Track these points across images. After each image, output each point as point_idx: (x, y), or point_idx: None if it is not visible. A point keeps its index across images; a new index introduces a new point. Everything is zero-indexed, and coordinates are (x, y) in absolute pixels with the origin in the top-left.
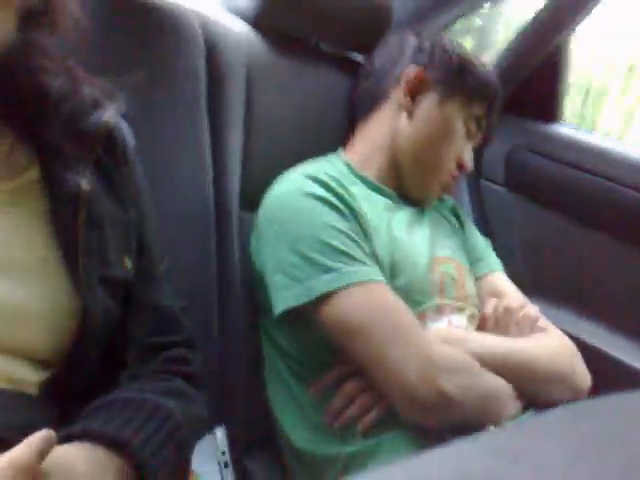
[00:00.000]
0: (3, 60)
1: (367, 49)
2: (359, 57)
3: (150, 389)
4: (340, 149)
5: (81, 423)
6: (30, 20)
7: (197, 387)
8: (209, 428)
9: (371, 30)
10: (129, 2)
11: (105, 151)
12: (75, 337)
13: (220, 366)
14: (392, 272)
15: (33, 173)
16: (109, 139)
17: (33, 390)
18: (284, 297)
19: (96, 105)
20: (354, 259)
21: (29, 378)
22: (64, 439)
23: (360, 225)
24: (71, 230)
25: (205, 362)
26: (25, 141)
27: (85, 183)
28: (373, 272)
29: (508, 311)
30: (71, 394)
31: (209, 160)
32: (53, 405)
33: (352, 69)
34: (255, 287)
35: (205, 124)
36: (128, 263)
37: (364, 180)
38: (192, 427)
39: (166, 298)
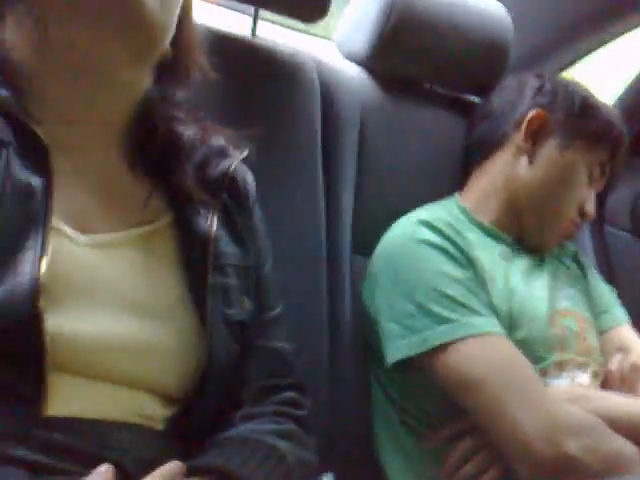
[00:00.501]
0: (142, 111)
1: (482, 90)
2: (473, 97)
3: (264, 430)
4: (455, 193)
5: (204, 458)
6: (163, 73)
7: (307, 431)
8: (317, 474)
9: (487, 72)
10: (248, 46)
11: (229, 196)
12: (200, 375)
13: (329, 411)
14: (510, 324)
15: (167, 218)
16: (233, 185)
17: (160, 425)
18: (397, 346)
19: (222, 153)
20: (471, 310)
21: (157, 413)
22: (189, 472)
23: (476, 274)
24: (200, 271)
25: (314, 406)
26: (160, 188)
27: (213, 227)
28: (491, 323)
29: (635, 368)
30: (193, 430)
31: (322, 203)
32: (176, 440)
33: (467, 110)
34: (367, 333)
35: (319, 167)
36: (247, 304)
37: (480, 226)
38: (302, 471)
39: (280, 340)
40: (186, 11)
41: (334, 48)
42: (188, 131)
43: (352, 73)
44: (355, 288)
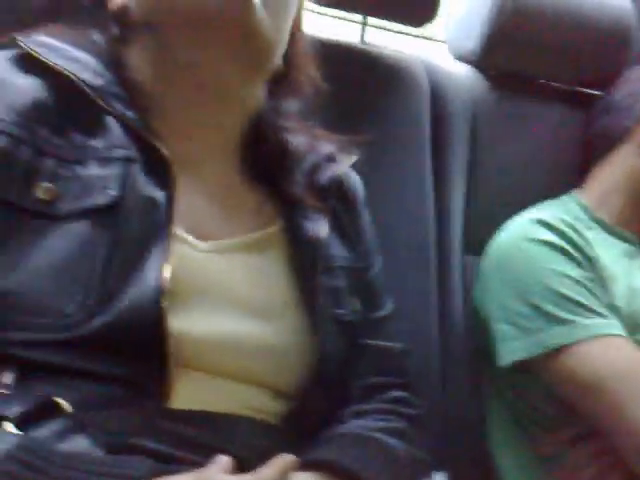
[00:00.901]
0: (254, 123)
1: (603, 83)
2: (591, 90)
3: (375, 427)
4: (574, 191)
5: (317, 453)
6: (275, 86)
7: (418, 430)
8: (429, 472)
9: (608, 63)
10: (357, 53)
11: (338, 200)
12: (312, 373)
13: (440, 410)
14: (632, 326)
15: (279, 224)
16: (342, 189)
17: (273, 420)
18: (511, 348)
19: (331, 159)
20: (591, 310)
21: (271, 409)
22: (301, 466)
23: (596, 273)
24: (310, 274)
25: (427, 405)
26: (272, 195)
27: (322, 231)
28: (613, 325)
29: None
30: (303, 425)
31: (431, 203)
32: (289, 435)
33: (584, 104)
34: (479, 334)
35: (428, 168)
36: (356, 304)
37: (601, 223)
38: (414, 469)
39: (389, 340)
40: (297, 25)
41: (443, 48)
42: (297, 139)
43: (462, 73)
44: (466, 288)
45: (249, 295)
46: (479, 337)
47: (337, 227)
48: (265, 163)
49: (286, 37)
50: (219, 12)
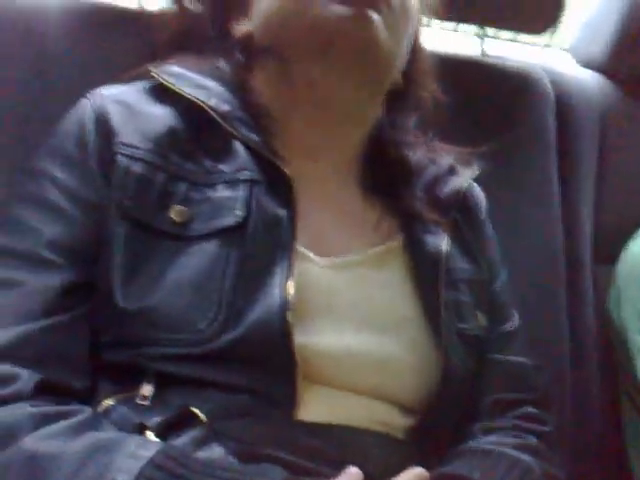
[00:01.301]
0: (373, 139)
1: None
2: None
3: (506, 443)
4: None
5: (448, 467)
6: (395, 100)
7: (551, 447)
8: None
9: None
10: (478, 66)
11: (460, 213)
12: (438, 388)
13: (574, 427)
14: None
15: (399, 238)
16: (464, 202)
17: (400, 434)
18: None
19: (452, 172)
20: None
21: (397, 423)
22: None
23: None
24: (432, 288)
25: (558, 422)
26: (391, 210)
27: (444, 245)
28: None
29: None
30: (431, 441)
31: (558, 213)
32: (416, 449)
33: None
34: (613, 346)
35: (555, 177)
36: (481, 319)
37: None
38: None
39: (517, 355)
40: (415, 40)
41: (567, 56)
42: (417, 153)
43: (589, 80)
44: (598, 299)
45: (370, 310)
46: (614, 350)
47: (459, 240)
48: (385, 178)
49: (405, 53)
50: (340, 32)
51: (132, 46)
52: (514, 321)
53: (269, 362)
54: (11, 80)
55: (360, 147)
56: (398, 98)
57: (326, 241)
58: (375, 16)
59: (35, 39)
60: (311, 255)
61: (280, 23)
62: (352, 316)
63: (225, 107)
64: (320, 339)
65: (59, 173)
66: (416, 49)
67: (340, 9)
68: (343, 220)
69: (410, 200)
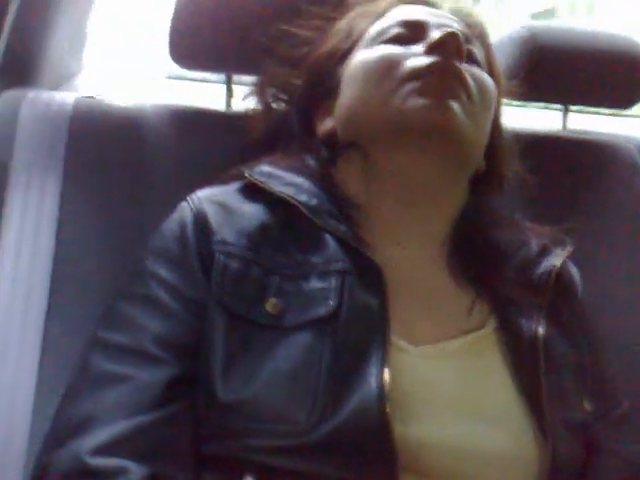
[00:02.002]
0: (460, 222)
1: None
2: None
3: None
4: None
5: None
6: (479, 182)
7: None
8: None
9: None
10: (560, 142)
11: (556, 293)
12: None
13: None
14: None
15: (492, 323)
16: (559, 282)
17: None
18: None
19: (544, 252)
20: None
21: None
22: None
23: None
24: (532, 376)
25: None
26: (482, 294)
27: (541, 329)
28: None
29: None
30: None
31: None
32: None
33: None
34: None
35: None
36: (587, 404)
37: None
38: None
39: (627, 443)
40: (496, 123)
41: None
42: (505, 234)
43: None
44: None
45: (467, 400)
46: None
47: (557, 323)
48: (474, 262)
49: (487, 136)
50: (423, 123)
51: (220, 147)
52: (624, 404)
53: (368, 452)
54: (115, 183)
55: (447, 232)
56: (482, 181)
57: (418, 329)
58: (455, 105)
59: (133, 144)
60: (402, 344)
61: (363, 118)
62: (451, 406)
63: (313, 202)
64: (419, 429)
65: (163, 272)
66: (497, 129)
67: (421, 101)
68: (434, 306)
69: (501, 283)
